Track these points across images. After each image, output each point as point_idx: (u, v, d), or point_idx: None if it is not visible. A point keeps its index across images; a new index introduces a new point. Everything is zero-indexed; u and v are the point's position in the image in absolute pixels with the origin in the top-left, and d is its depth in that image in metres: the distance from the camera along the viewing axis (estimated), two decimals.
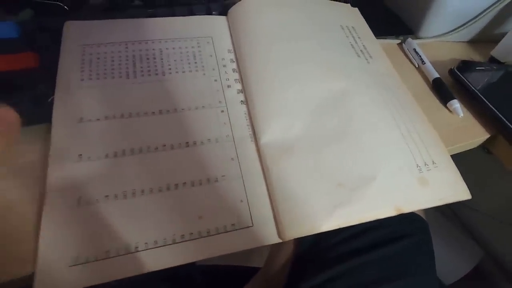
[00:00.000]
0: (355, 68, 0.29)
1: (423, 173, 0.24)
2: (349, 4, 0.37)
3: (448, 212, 0.79)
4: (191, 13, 0.32)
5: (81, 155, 0.22)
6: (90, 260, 0.19)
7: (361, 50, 0.31)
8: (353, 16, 0.35)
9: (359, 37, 0.33)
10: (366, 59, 0.31)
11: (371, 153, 0.24)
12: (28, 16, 0.31)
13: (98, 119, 0.23)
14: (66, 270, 0.18)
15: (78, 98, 0.24)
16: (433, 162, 0.24)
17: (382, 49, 0.33)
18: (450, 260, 0.70)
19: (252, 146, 0.25)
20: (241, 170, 0.23)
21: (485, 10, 0.36)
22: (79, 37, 0.27)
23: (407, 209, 0.22)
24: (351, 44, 0.31)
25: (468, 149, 0.31)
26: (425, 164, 0.24)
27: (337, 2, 0.37)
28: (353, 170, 0.23)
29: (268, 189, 0.23)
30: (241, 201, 0.22)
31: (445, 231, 0.73)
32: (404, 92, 0.29)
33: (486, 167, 0.62)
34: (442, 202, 0.23)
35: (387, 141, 0.25)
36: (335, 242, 0.30)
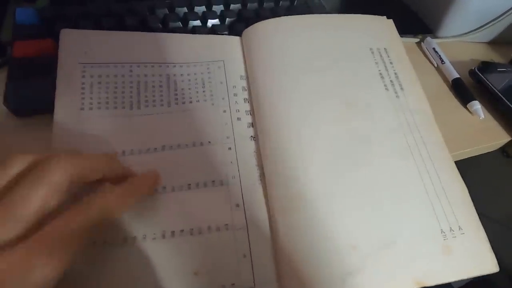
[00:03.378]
0: (380, 105, 0.26)
1: (448, 240, 0.21)
2: (384, 17, 0.33)
3: None
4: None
5: None
6: None
7: (391, 80, 0.28)
8: (387, 33, 0.31)
9: (390, 62, 0.29)
10: (396, 92, 0.27)
11: (390, 213, 0.21)
12: (45, 3, 0.32)
13: None
14: None
15: (78, 132, 0.22)
16: (460, 228, 0.21)
17: (416, 76, 0.29)
18: None
19: (260, 190, 0.23)
20: (246, 219, 0.22)
21: (507, 11, 0.35)
22: (78, 52, 0.25)
23: (427, 282, 0.20)
24: (380, 73, 0.28)
25: (487, 151, 0.31)
26: (450, 230, 0.21)
27: (369, 15, 0.32)
28: (369, 231, 0.21)
29: (273, 244, 0.21)
30: (244, 256, 0.21)
31: None
32: (433, 133, 0.26)
33: (501, 172, 0.60)
34: (466, 275, 0.20)
35: (409, 199, 0.22)
36: None
